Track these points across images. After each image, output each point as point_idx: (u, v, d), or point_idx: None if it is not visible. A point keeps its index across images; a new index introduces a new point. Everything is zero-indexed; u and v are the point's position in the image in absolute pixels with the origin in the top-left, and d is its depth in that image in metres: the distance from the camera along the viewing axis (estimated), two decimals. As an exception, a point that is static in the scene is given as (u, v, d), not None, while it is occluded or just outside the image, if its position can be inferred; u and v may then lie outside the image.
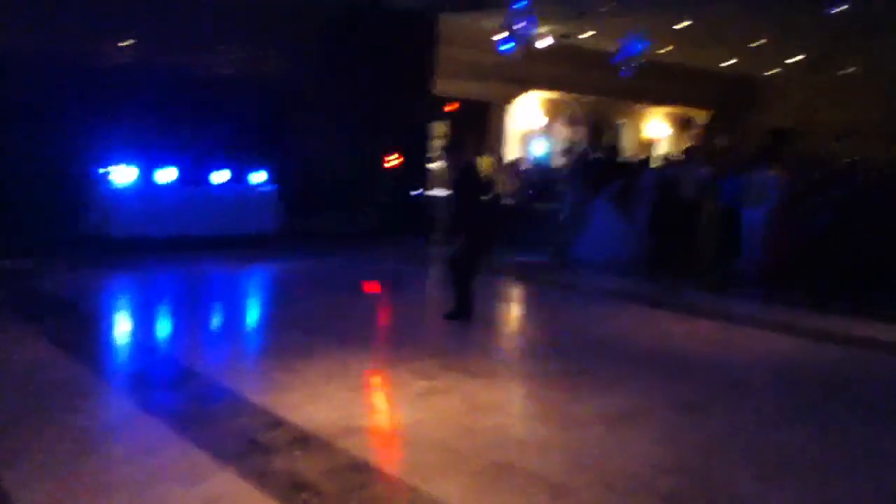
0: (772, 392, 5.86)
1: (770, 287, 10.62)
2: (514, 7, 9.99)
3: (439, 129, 18.08)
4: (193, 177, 11.86)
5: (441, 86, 15.52)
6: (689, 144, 17.54)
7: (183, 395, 5.23)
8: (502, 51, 10.06)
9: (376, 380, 5.69)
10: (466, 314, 7.31)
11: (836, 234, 10.58)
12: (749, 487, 4.06)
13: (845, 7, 8.03)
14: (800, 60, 18.91)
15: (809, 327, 7.95)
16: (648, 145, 21.29)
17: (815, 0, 8.52)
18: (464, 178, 7.08)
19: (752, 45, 17.05)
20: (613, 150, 15.39)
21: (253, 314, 8.44)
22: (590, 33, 16.28)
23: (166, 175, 11.48)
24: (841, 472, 4.27)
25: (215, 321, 7.96)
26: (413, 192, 14.23)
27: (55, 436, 4.38)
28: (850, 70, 19.78)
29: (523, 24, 9.77)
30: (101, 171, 11.46)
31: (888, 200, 10.49)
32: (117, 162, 11.34)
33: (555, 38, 15.61)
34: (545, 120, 19.91)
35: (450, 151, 7.28)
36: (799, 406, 5.47)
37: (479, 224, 7.12)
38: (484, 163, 16.87)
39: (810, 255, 10.66)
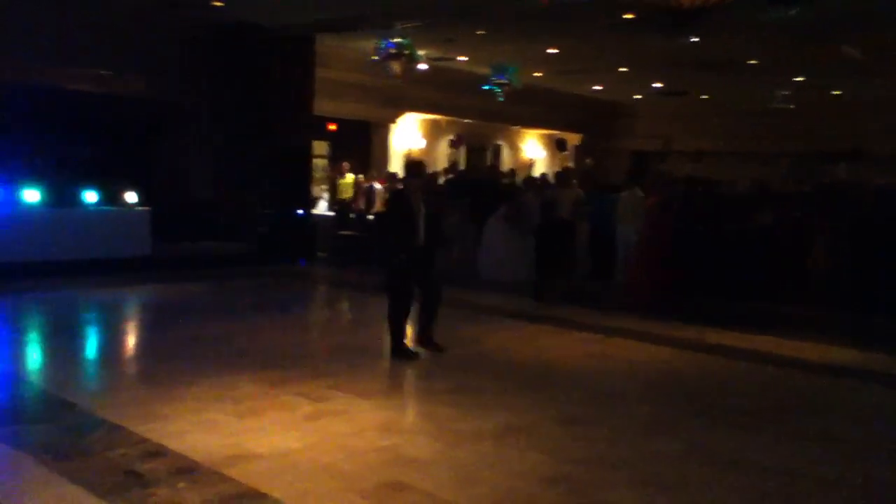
0: (646, 402, 6.17)
1: (643, 301, 11.18)
2: (391, 31, 10.17)
3: (320, 148, 18.02)
4: (61, 197, 11.26)
5: (321, 106, 15.49)
6: (562, 166, 18.26)
7: (55, 429, 4.96)
8: (389, 74, 10.18)
9: (263, 404, 5.60)
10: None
11: (694, 251, 11.29)
12: (626, 497, 4.26)
13: (696, 39, 8.69)
14: (659, 88, 20.09)
15: (679, 338, 8.42)
16: (527, 165, 21.96)
17: (667, 32, 9.17)
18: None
19: (614, 72, 17.98)
20: (494, 171, 15.81)
21: (131, 342, 8.11)
22: (463, 58, 16.72)
23: (32, 195, 10.85)
24: (710, 480, 4.54)
25: (90, 350, 7.60)
26: (297, 212, 14.06)
27: (-88, 478, 4.09)
28: (703, 98, 21.19)
29: (392, 48, 9.97)
30: None
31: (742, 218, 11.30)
32: None
33: (428, 61, 15.93)
34: (424, 141, 20.22)
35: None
36: (671, 415, 5.79)
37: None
38: (347, 181, 17.01)
39: (675, 271, 11.33)
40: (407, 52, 9.37)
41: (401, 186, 7.62)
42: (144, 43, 12.96)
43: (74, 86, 13.34)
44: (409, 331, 7.43)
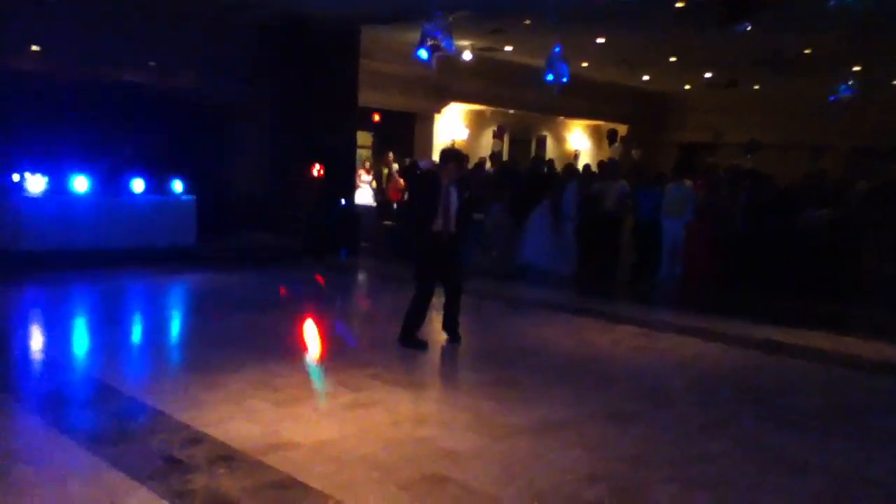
0: (693, 399, 6.01)
1: (690, 294, 10.96)
2: (431, 20, 10.03)
3: (364, 139, 18.04)
4: (110, 186, 11.45)
5: (366, 97, 15.49)
6: (607, 158, 18.01)
7: (98, 414, 5.03)
8: (423, 60, 10.03)
9: (302, 393, 5.59)
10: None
11: (748, 243, 11.04)
12: (669, 497, 4.14)
13: (748, 27, 8.43)
14: (709, 79, 19.65)
15: (728, 333, 8.20)
16: (572, 156, 21.72)
17: (721, 24, 8.92)
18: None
19: (664, 63, 17.63)
20: (540, 162, 15.66)
21: (174, 330, 8.19)
22: (508, 48, 16.54)
23: (82, 184, 11.05)
24: (757, 481, 4.40)
25: (134, 337, 7.68)
26: (340, 203, 14.10)
27: (-41, 459, 4.15)
28: (755, 89, 20.67)
29: (438, 36, 9.78)
30: (14, 179, 10.94)
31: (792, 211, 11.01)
32: (31, 170, 10.84)
33: (474, 52, 15.81)
34: (468, 131, 20.11)
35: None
36: (719, 413, 5.63)
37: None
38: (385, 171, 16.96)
39: (726, 263, 11.10)
40: (432, 42, 9.20)
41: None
42: (194, 38, 13.09)
43: (127, 77, 13.53)
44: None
